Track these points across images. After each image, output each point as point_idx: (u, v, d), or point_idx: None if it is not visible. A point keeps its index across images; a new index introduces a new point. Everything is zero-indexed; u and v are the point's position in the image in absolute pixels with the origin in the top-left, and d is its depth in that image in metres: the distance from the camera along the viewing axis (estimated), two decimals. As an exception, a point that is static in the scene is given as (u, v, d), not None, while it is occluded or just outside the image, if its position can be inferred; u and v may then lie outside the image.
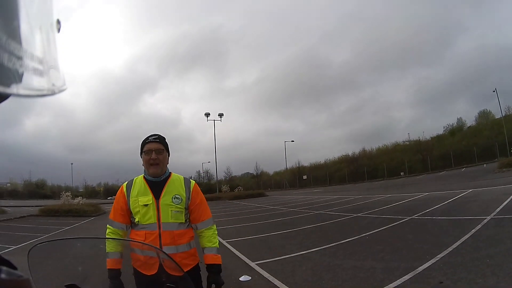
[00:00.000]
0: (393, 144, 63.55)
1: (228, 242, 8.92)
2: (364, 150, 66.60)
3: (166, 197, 2.62)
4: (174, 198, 2.62)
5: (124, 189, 2.73)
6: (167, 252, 2.46)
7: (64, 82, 0.44)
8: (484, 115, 54.41)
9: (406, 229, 8.62)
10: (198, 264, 2.71)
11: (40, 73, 0.38)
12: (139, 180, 2.72)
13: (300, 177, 66.00)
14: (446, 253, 5.68)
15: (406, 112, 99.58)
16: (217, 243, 2.75)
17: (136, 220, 2.63)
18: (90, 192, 67.79)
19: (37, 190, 60.66)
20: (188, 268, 2.63)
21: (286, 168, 72.37)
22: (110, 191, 70.75)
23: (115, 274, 2.38)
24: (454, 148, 45.77)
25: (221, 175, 70.12)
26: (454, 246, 6.03)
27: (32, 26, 0.37)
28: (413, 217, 10.01)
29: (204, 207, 2.77)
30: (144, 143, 2.70)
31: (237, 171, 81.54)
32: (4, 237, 12.11)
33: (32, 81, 0.37)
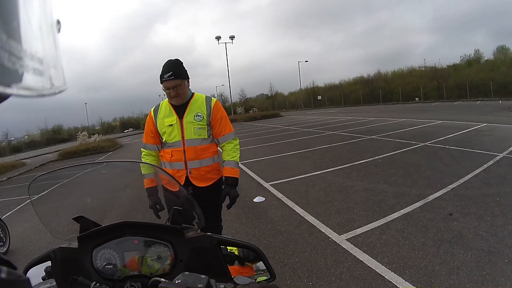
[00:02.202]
0: (409, 68, 61.44)
1: (242, 164, 9.09)
2: (379, 73, 64.63)
3: (188, 116, 2.79)
4: (196, 116, 2.79)
5: (152, 113, 2.93)
6: (192, 166, 2.75)
7: (64, 82, 0.43)
8: (502, 51, 51.24)
9: (419, 155, 8.60)
10: (221, 178, 2.90)
11: (40, 73, 0.37)
12: (165, 104, 2.89)
13: (315, 98, 65.21)
14: (457, 185, 5.72)
15: (422, 38, 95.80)
16: (237, 157, 2.91)
17: (164, 139, 2.86)
18: (107, 128, 67.74)
19: (54, 136, 60.31)
20: (212, 182, 2.85)
21: (301, 89, 71.77)
22: (126, 124, 71.40)
23: (153, 191, 2.53)
24: (470, 80, 43.81)
25: (235, 98, 70.67)
26: (466, 178, 6.05)
27: (32, 26, 0.36)
28: (426, 143, 9.95)
29: (224, 122, 2.91)
30: (161, 80, 2.74)
31: (251, 93, 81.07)
32: (25, 188, 12.30)
33: (32, 81, 0.36)
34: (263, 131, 21.41)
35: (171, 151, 2.80)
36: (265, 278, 1.35)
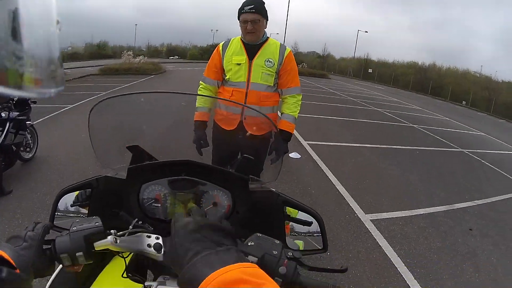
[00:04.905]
0: (464, 70, 57.52)
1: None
2: (434, 64, 60.96)
3: (259, 59, 2.60)
4: (267, 61, 2.60)
5: (220, 48, 2.71)
6: (249, 113, 2.47)
7: (64, 82, 0.42)
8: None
9: (454, 160, 8.30)
10: (273, 130, 2.75)
11: (40, 73, 0.37)
12: (236, 41, 2.68)
13: (366, 70, 61.82)
14: (483, 202, 5.50)
15: (485, 45, 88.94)
16: (297, 113, 2.75)
17: (227, 77, 2.67)
18: (152, 52, 63.70)
19: (98, 51, 56.95)
20: (264, 132, 2.66)
21: (354, 57, 68.19)
22: (173, 51, 68.72)
23: (201, 125, 2.44)
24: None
25: (287, 48, 67.30)
26: (493, 199, 5.79)
27: (32, 26, 0.35)
28: (464, 150, 9.51)
29: (293, 74, 2.72)
30: (240, 12, 2.55)
31: (304, 49, 77.02)
32: (62, 96, 11.19)
33: (32, 81, 0.35)
34: (309, 89, 20.60)
35: (232, 90, 2.65)
36: (313, 248, 1.19)
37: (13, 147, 4.30)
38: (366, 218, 4.13)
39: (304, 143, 7.16)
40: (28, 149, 5.00)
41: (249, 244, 0.85)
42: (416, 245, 3.74)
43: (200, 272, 0.58)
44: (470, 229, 4.41)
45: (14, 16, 0.33)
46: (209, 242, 0.67)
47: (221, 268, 0.57)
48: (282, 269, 0.79)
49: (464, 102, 44.32)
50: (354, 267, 3.17)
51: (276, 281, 0.78)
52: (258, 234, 0.91)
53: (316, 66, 60.25)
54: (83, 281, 1.11)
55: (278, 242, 0.88)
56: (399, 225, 4.13)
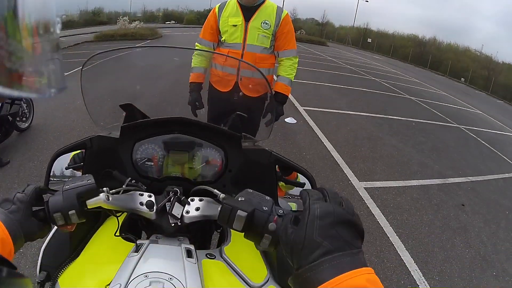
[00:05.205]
0: (465, 47, 56.36)
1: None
2: (434, 39, 59.66)
3: (255, 21, 2.56)
4: (263, 23, 2.55)
5: (217, 9, 2.67)
6: (244, 74, 2.45)
7: (64, 82, 0.41)
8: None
9: (450, 135, 8.15)
10: (268, 92, 2.64)
11: (40, 73, 0.36)
12: (233, 3, 2.63)
13: (365, 39, 60.52)
14: (476, 179, 5.42)
15: (487, 24, 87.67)
16: (293, 75, 2.70)
17: (223, 38, 2.64)
18: (148, 17, 59.35)
19: (93, 17, 51.94)
20: (259, 94, 2.49)
21: (353, 26, 66.46)
22: (169, 16, 64.97)
23: (196, 87, 2.41)
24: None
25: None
26: (486, 178, 5.71)
27: (32, 26, 0.34)
28: (460, 126, 9.38)
29: (290, 37, 2.67)
30: None
31: (302, 15, 74.64)
32: None
33: (32, 81, 0.35)
34: (307, 55, 20.07)
35: (228, 51, 2.61)
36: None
37: (9, 118, 4.19)
38: (360, 186, 4.04)
39: (300, 108, 6.99)
40: (24, 119, 4.88)
41: (239, 199, 0.80)
42: (408, 216, 3.67)
43: (325, 274, 0.54)
44: (463, 205, 4.36)
45: (14, 15, 0.31)
46: (343, 242, 0.58)
47: (347, 272, 0.53)
48: (271, 225, 0.74)
49: (463, 79, 44.12)
50: (345, 234, 3.08)
51: (265, 237, 0.74)
52: (249, 190, 0.84)
53: (314, 33, 58.85)
54: (77, 242, 1.10)
55: (269, 198, 0.82)
56: (392, 194, 4.04)
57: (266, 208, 0.77)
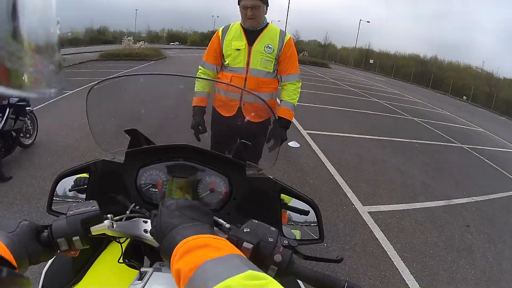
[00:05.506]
0: (466, 65, 57.12)
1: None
2: (435, 58, 60.33)
3: (259, 44, 2.53)
4: (267, 47, 2.53)
5: (220, 32, 2.64)
6: (247, 99, 2.42)
7: (64, 82, 0.41)
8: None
9: (453, 155, 8.19)
10: (271, 117, 2.62)
11: (40, 73, 0.36)
12: (236, 26, 2.61)
13: (367, 60, 61.02)
14: (481, 199, 5.40)
15: (487, 41, 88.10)
16: (296, 100, 2.68)
17: (226, 62, 2.60)
18: (153, 38, 62.14)
19: (98, 36, 54.84)
20: (263, 119, 2.46)
21: (355, 47, 67.26)
22: (173, 37, 66.82)
23: (199, 111, 2.41)
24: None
25: (288, 37, 66.51)
26: (491, 197, 5.68)
27: (32, 26, 0.34)
28: (463, 145, 9.39)
29: (293, 61, 2.64)
30: None
31: (305, 37, 75.65)
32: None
33: (32, 81, 0.34)
34: (310, 77, 20.37)
35: (232, 76, 2.58)
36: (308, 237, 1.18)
37: (13, 133, 4.24)
38: (364, 210, 4.06)
39: (304, 132, 7.04)
40: (28, 135, 4.91)
41: (244, 230, 0.83)
42: (413, 239, 3.67)
43: (176, 240, 0.67)
44: (467, 226, 4.34)
45: (14, 15, 0.32)
46: (188, 218, 0.75)
47: (193, 235, 0.66)
48: (277, 257, 0.77)
49: (465, 97, 44.07)
50: (350, 258, 3.11)
51: (271, 269, 0.77)
52: (254, 220, 0.88)
53: (317, 54, 59.65)
54: (79, 267, 1.09)
55: (274, 229, 0.85)
56: (397, 218, 4.05)
57: (272, 240, 0.80)
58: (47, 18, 0.36)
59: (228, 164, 1.19)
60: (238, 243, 0.78)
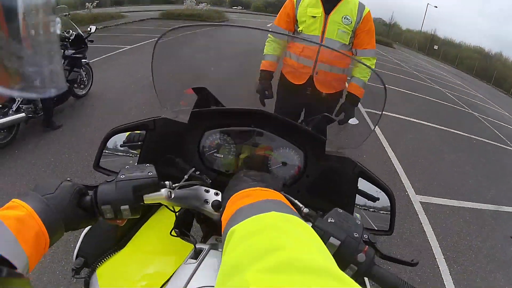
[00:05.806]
0: (532, 66, 50.75)
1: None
2: (500, 54, 53.54)
3: (336, 14, 2.23)
4: (344, 18, 2.22)
5: None
6: (321, 68, 2.14)
7: (63, 82, 0.37)
8: None
9: (509, 160, 7.24)
10: (342, 91, 2.31)
11: (40, 73, 0.34)
12: None
13: (431, 46, 55.87)
14: None
15: None
16: (367, 78, 2.29)
17: (300, 29, 2.30)
18: (216, 0, 57.77)
19: None
20: (334, 91, 2.27)
21: (420, 31, 61.74)
22: (236, 1, 60.72)
23: (267, 75, 2.18)
24: None
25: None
26: None
27: (32, 26, 0.32)
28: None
29: (371, 35, 2.33)
30: None
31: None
32: (121, 38, 10.65)
33: (32, 81, 0.33)
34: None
35: (303, 46, 2.23)
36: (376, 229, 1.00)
37: (67, 84, 4.22)
38: (416, 199, 3.77)
39: (362, 110, 6.60)
40: (82, 86, 4.90)
41: (329, 220, 0.67)
42: (458, 239, 3.37)
43: (242, 186, 0.61)
44: (511, 237, 3.96)
45: (14, 15, 0.30)
46: (253, 181, 0.64)
47: (249, 188, 0.59)
48: (360, 256, 0.62)
49: (527, 100, 39.83)
50: (395, 246, 2.92)
51: (350, 268, 0.62)
52: (339, 209, 0.70)
53: (381, 33, 55.08)
54: (123, 232, 0.95)
55: (359, 222, 0.68)
56: (446, 214, 3.73)
57: (357, 235, 0.64)
58: (47, 17, 0.33)
59: (307, 138, 1.00)
60: (323, 237, 0.62)
